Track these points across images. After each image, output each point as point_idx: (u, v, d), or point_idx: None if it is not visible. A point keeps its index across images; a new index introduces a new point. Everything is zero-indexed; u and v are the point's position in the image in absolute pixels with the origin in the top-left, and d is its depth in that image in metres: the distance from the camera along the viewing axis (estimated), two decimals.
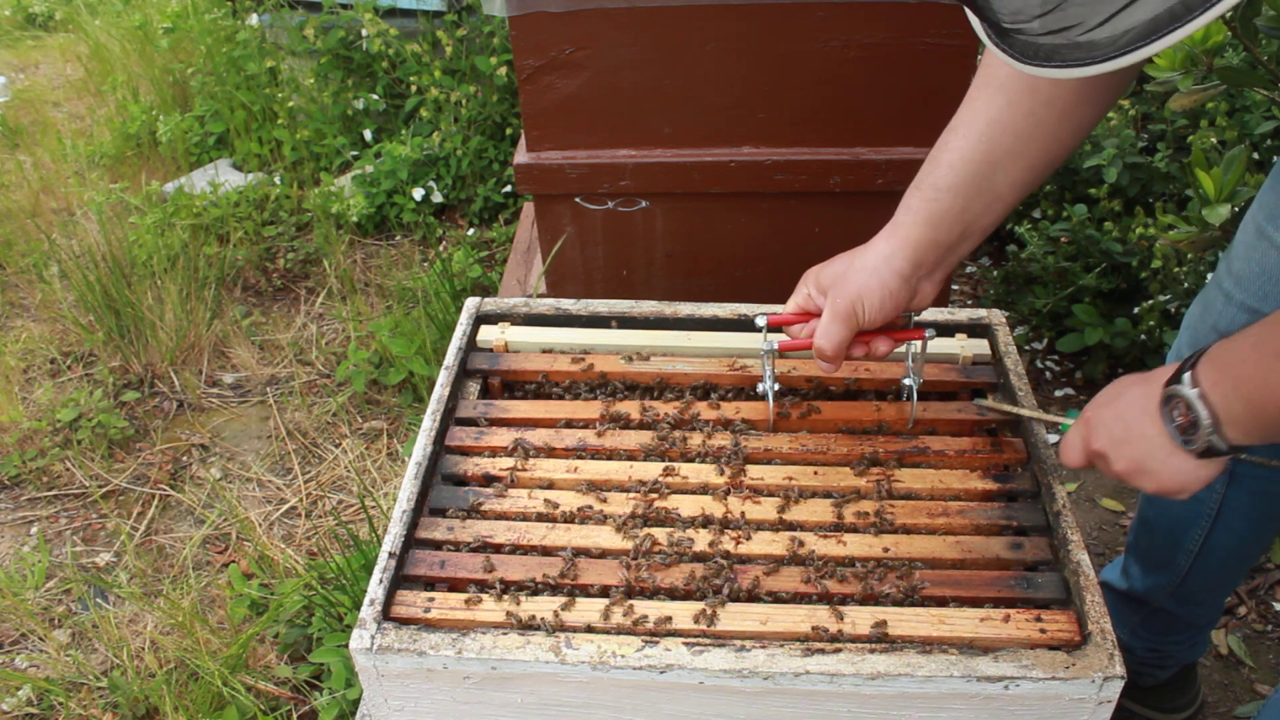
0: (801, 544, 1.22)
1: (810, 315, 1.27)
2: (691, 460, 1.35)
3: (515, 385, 1.52)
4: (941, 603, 1.16)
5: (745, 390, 1.46)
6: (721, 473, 1.32)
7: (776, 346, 1.30)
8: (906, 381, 1.35)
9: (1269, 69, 1.44)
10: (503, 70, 3.32)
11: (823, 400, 1.42)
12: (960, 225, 1.19)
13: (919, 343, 1.30)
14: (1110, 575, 1.76)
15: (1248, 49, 1.39)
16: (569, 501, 1.29)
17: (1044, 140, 1.14)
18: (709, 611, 1.14)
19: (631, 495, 1.29)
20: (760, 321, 1.30)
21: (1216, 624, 1.95)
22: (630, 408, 1.41)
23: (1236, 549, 1.53)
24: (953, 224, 1.19)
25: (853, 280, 1.21)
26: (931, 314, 1.52)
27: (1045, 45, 0.75)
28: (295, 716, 1.90)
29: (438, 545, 1.25)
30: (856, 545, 1.22)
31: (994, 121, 1.14)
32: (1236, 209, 1.61)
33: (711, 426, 1.39)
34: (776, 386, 1.35)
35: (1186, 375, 1.00)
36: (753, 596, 1.17)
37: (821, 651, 1.09)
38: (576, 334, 1.53)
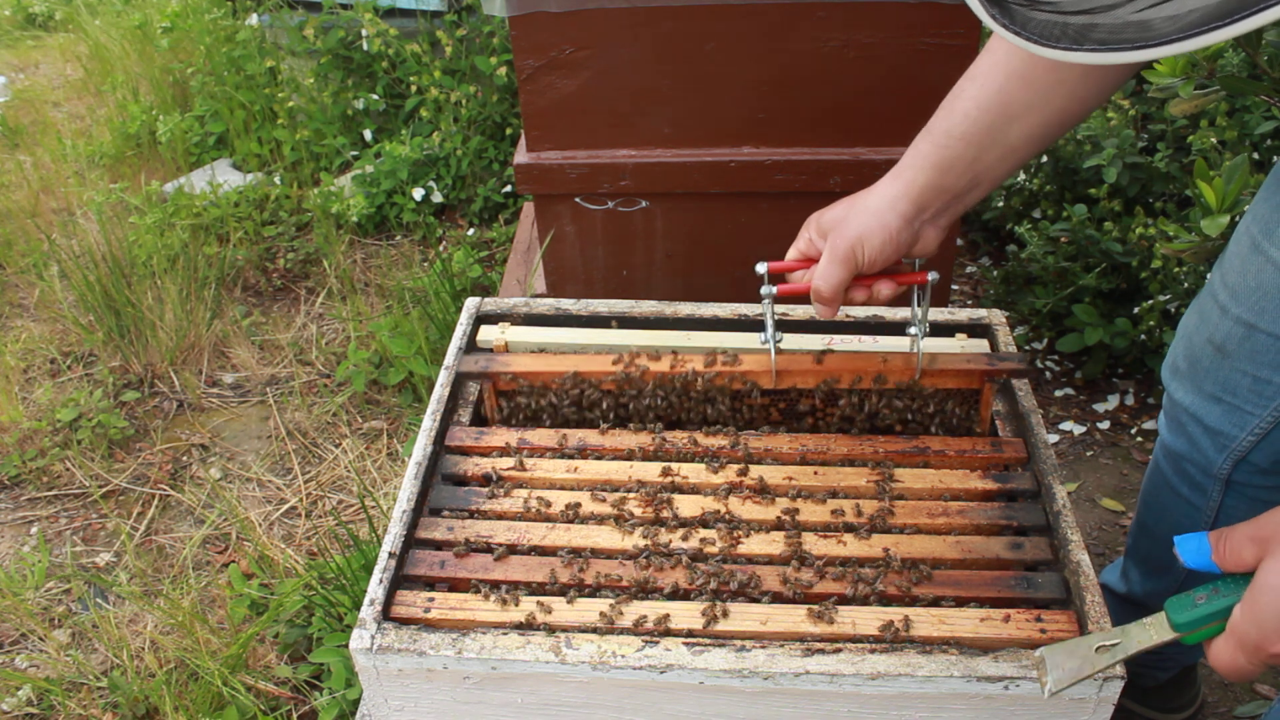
0: (801, 544, 1.22)
1: (812, 262, 1.23)
2: (691, 460, 1.35)
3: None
4: (942, 603, 1.16)
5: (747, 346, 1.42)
6: (721, 472, 1.32)
7: (776, 291, 1.26)
8: (911, 330, 1.31)
9: (1273, 77, 1.43)
10: (503, 70, 3.32)
11: (828, 353, 1.40)
12: (970, 174, 1.17)
13: (923, 292, 1.26)
14: (1110, 578, 1.76)
15: (1250, 56, 1.39)
16: (569, 501, 1.29)
17: (1064, 98, 1.12)
18: (709, 611, 1.14)
19: (631, 495, 1.29)
20: (760, 268, 1.27)
21: None
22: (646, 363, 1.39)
23: None
24: (962, 172, 1.16)
25: (853, 222, 1.17)
26: (932, 314, 1.52)
27: (1075, 25, 0.66)
28: (295, 716, 1.90)
29: (438, 545, 1.25)
30: (856, 545, 1.22)
31: (1014, 74, 1.12)
32: (1237, 218, 1.61)
33: (710, 379, 1.36)
34: (779, 338, 1.32)
35: None
36: (753, 596, 1.17)
37: (821, 651, 1.09)
38: (576, 334, 1.53)
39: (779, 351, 1.35)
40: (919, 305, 1.29)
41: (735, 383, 1.38)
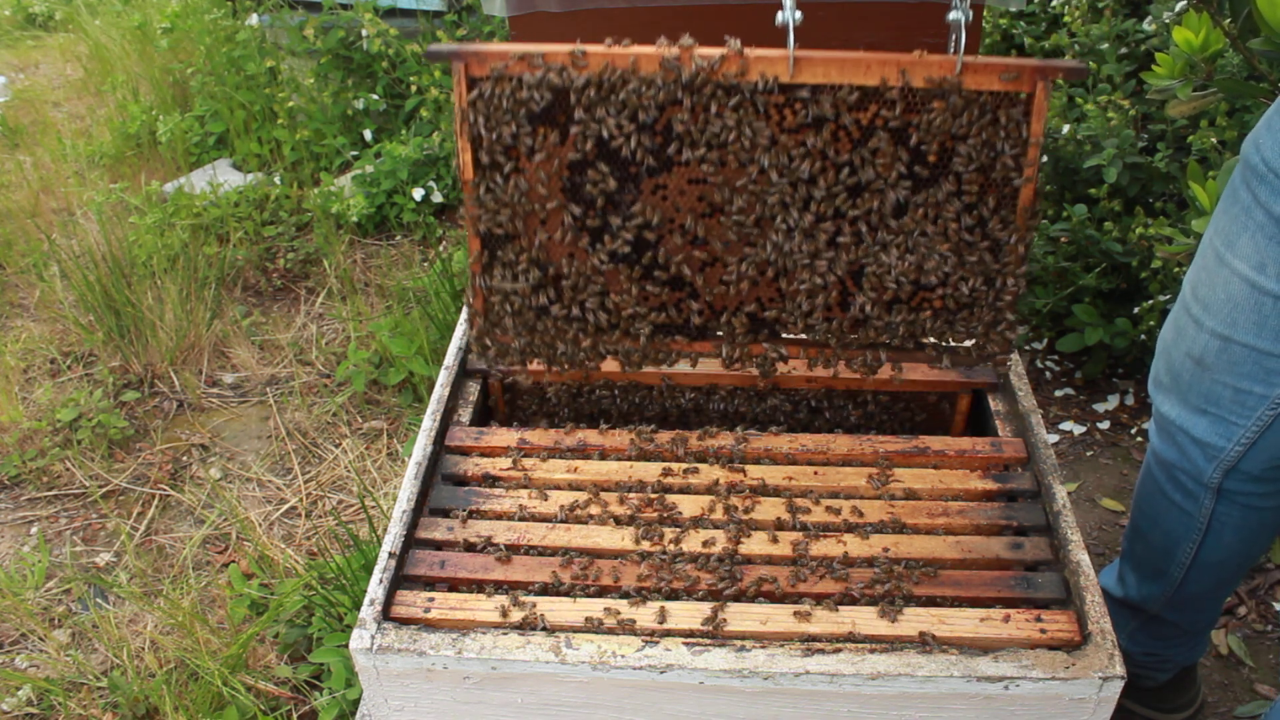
0: (801, 544, 1.22)
1: None
2: (691, 460, 1.35)
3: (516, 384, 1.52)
4: (942, 603, 1.16)
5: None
6: (721, 472, 1.32)
7: None
8: (953, 16, 1.17)
9: (1270, 81, 1.44)
10: None
11: (854, 47, 1.23)
12: None
13: None
14: (1107, 581, 1.76)
15: (1247, 61, 1.39)
16: (569, 501, 1.29)
17: None
18: (709, 612, 1.14)
19: (632, 495, 1.29)
20: None
21: (1215, 625, 1.95)
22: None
23: (1228, 560, 1.52)
24: None
25: None
26: None
27: None
28: (295, 716, 1.90)
29: (438, 545, 1.25)
30: (856, 545, 1.22)
31: None
32: None
33: (716, 64, 1.23)
34: (799, 15, 1.16)
35: None
36: (753, 596, 1.17)
37: (821, 651, 1.09)
38: None
39: (798, 39, 1.16)
40: None
41: (747, 74, 1.19)
